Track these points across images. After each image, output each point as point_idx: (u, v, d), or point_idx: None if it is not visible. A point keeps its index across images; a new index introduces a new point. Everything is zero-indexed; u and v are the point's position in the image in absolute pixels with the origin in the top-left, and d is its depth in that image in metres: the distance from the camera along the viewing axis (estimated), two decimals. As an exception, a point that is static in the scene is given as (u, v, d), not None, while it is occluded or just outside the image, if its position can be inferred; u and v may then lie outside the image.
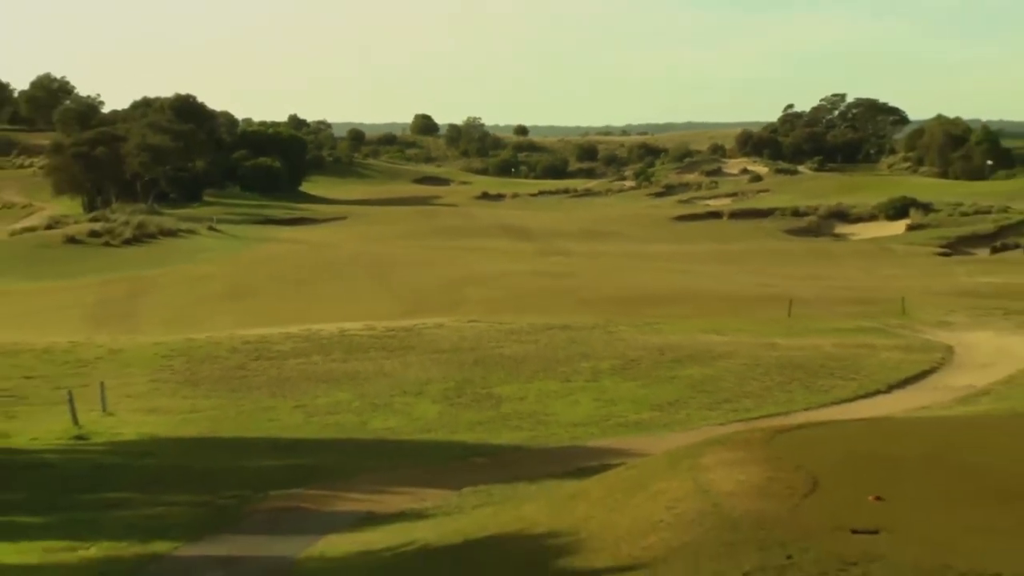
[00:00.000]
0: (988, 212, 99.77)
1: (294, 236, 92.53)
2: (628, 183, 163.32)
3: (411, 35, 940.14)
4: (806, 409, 27.70)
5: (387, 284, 61.12)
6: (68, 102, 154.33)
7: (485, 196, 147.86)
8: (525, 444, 25.36)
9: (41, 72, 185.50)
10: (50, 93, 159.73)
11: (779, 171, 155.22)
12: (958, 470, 14.58)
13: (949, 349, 36.83)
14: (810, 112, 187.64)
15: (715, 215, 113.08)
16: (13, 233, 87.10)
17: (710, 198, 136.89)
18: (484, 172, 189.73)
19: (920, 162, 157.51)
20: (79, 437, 26.02)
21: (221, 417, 28.45)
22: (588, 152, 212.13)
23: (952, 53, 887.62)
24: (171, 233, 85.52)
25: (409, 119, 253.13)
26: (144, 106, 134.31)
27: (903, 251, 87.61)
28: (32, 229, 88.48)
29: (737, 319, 44.72)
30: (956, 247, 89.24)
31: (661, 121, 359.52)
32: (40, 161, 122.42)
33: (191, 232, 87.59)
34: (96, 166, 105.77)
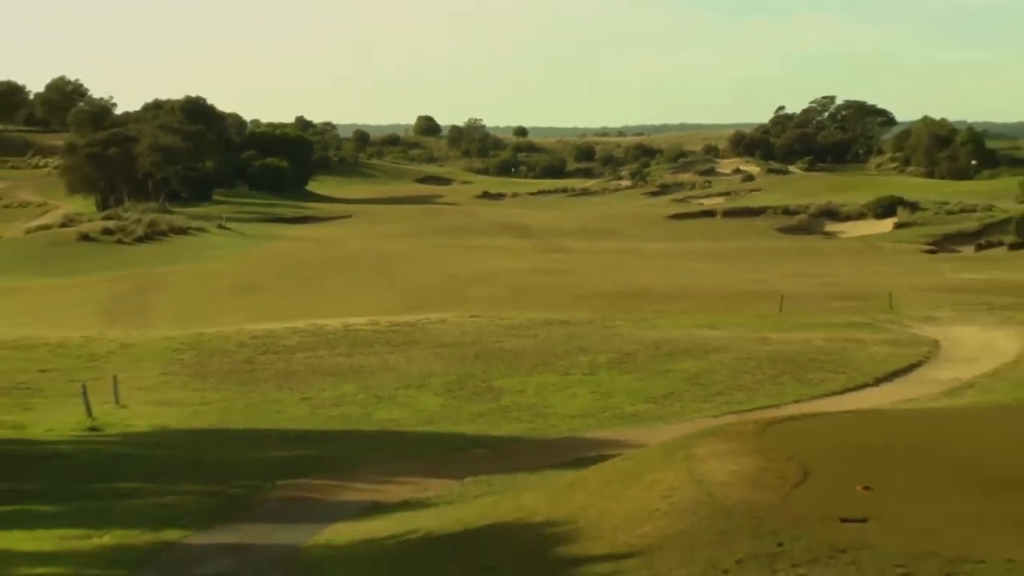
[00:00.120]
0: (973, 211, 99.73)
1: (301, 234, 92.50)
2: (624, 183, 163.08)
3: (414, 40, 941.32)
4: (797, 401, 27.69)
5: (391, 280, 61.08)
6: (82, 104, 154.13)
7: (486, 195, 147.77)
8: (525, 435, 25.36)
9: (56, 75, 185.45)
10: (64, 95, 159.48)
11: (771, 171, 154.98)
12: (944, 461, 14.58)
13: (935, 343, 36.82)
14: (801, 114, 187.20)
15: (709, 214, 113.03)
16: (29, 231, 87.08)
17: (704, 197, 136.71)
18: (485, 172, 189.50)
19: (907, 162, 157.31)
20: (92, 428, 26.02)
21: (230, 409, 28.45)
22: (586, 152, 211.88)
23: (938, 57, 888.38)
24: (182, 231, 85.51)
25: (412, 120, 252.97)
26: (155, 108, 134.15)
27: (891, 248, 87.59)
28: (47, 227, 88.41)
29: (730, 314, 44.71)
30: (942, 244, 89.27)
31: (656, 122, 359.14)
32: (55, 161, 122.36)
33: (201, 230, 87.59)
34: (109, 166, 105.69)
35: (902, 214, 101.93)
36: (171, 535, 17.35)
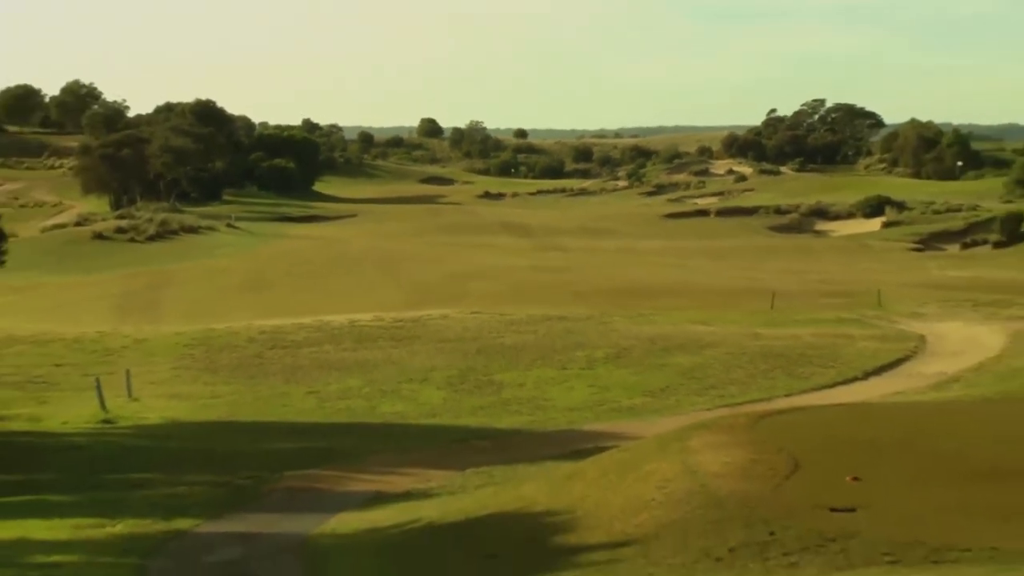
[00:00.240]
0: (958, 210, 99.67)
1: (307, 233, 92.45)
2: (621, 183, 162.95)
3: (417, 44, 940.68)
4: (787, 395, 27.70)
5: (395, 278, 61.06)
6: (96, 107, 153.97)
7: (487, 195, 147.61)
8: (524, 428, 25.38)
9: (71, 79, 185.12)
10: (79, 98, 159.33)
11: (763, 171, 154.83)
12: (931, 452, 14.58)
13: (922, 339, 36.81)
14: (792, 116, 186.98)
15: (703, 213, 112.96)
16: (44, 230, 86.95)
17: (698, 197, 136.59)
18: (486, 172, 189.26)
19: (895, 163, 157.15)
20: (106, 421, 26.05)
21: (239, 402, 28.46)
22: (583, 154, 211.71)
23: (926, 62, 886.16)
24: (192, 230, 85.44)
25: (415, 123, 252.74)
26: (167, 111, 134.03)
27: (879, 247, 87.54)
28: (62, 226, 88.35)
29: (723, 311, 44.68)
30: (928, 243, 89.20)
31: (652, 125, 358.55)
32: (69, 162, 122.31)
33: (211, 229, 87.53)
34: (122, 167, 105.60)
35: (890, 213, 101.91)
36: (182, 524, 17.37)
